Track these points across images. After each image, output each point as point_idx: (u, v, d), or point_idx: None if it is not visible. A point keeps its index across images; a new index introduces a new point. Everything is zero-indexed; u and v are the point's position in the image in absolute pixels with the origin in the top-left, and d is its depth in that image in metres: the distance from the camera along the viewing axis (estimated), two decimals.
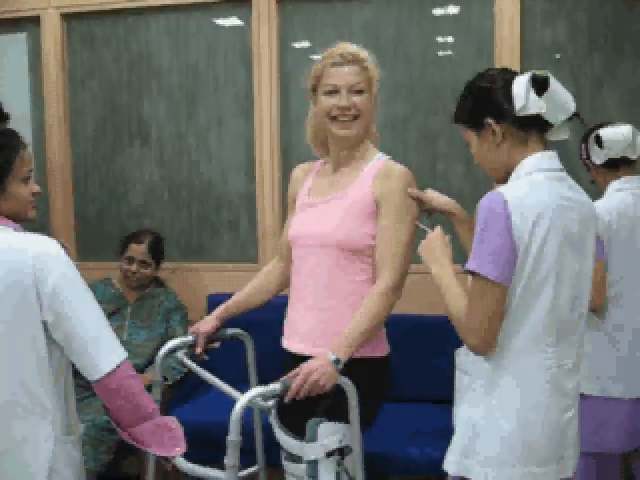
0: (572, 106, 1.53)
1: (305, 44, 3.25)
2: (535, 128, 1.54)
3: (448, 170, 3.14)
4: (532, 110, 1.50)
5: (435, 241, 1.68)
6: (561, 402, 1.54)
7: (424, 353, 2.96)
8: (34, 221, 1.70)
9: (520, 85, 1.50)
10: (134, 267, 3.05)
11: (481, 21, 3.03)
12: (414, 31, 3.12)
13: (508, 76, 1.56)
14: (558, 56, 3.01)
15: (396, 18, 3.13)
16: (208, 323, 2.08)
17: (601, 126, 2.33)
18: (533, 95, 1.50)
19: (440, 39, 3.13)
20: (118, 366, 1.56)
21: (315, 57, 3.09)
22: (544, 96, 1.50)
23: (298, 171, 2.12)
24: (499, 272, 1.45)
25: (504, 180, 1.59)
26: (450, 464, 1.59)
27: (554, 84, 1.51)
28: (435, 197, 1.88)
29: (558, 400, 1.53)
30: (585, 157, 2.38)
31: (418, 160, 3.15)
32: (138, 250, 3.07)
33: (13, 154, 1.61)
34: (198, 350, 2.03)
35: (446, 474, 1.63)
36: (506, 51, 2.94)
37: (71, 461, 1.63)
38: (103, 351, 1.56)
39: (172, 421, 1.68)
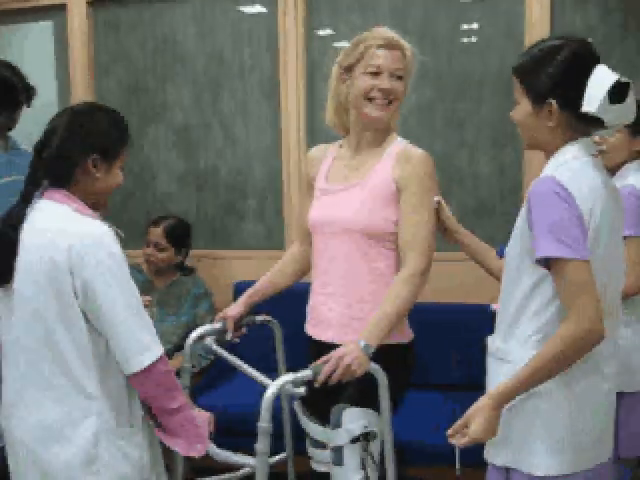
0: (633, 116, 1.48)
1: (329, 31, 3.23)
2: (588, 121, 1.50)
3: (474, 156, 3.11)
4: (598, 114, 1.45)
5: (478, 416, 1.46)
6: (604, 387, 1.54)
7: (449, 340, 2.94)
8: (105, 210, 1.75)
9: (598, 87, 1.43)
10: (149, 250, 3.06)
11: (511, 4, 2.98)
12: (441, 16, 3.08)
13: (590, 62, 1.48)
14: (590, 40, 2.93)
15: (423, 2, 3.09)
16: (234, 309, 2.08)
17: None
18: (607, 103, 1.43)
19: (468, 24, 3.08)
20: (150, 365, 1.54)
21: (339, 45, 3.06)
22: (617, 106, 1.44)
23: (314, 153, 2.09)
24: (586, 250, 1.41)
25: (534, 148, 1.59)
26: (493, 455, 1.57)
27: (631, 95, 1.45)
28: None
29: (602, 385, 1.53)
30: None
31: (444, 146, 3.12)
32: (154, 232, 3.08)
33: (127, 138, 1.69)
34: (229, 335, 2.03)
35: (484, 463, 1.61)
36: (536, 35, 2.88)
37: (124, 456, 1.59)
38: (135, 349, 1.54)
39: (199, 417, 1.66)
